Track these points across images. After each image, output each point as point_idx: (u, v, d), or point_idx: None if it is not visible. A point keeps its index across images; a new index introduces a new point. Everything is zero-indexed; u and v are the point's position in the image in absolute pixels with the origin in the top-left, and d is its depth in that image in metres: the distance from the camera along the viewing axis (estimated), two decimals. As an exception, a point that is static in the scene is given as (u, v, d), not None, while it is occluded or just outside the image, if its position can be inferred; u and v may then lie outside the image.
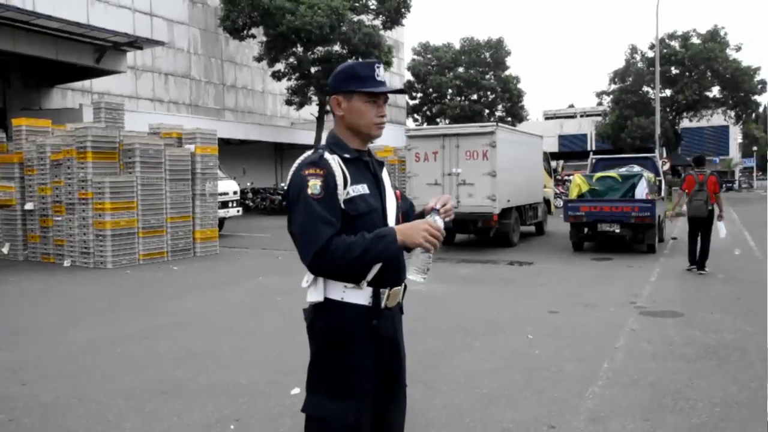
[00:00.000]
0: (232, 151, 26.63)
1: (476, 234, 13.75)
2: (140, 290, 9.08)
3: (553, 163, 26.61)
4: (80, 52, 19.44)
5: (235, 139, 27.45)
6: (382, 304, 2.16)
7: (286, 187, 2.17)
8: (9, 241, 12.68)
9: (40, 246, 12.30)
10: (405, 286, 2.28)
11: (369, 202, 2.15)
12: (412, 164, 13.12)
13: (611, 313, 7.08)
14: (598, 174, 12.60)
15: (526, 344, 5.80)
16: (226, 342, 5.99)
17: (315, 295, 2.14)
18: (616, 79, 38.65)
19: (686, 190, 9.77)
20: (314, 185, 2.05)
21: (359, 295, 2.12)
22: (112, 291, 9.07)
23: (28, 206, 12.42)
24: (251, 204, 26.91)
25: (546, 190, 16.72)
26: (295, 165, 2.17)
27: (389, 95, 2.24)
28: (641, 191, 11.78)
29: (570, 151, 50.08)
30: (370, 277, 2.12)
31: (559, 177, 25.08)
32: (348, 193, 2.10)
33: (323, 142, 2.29)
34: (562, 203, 22.49)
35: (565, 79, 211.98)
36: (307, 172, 2.09)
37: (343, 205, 2.07)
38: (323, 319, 2.15)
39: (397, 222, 2.25)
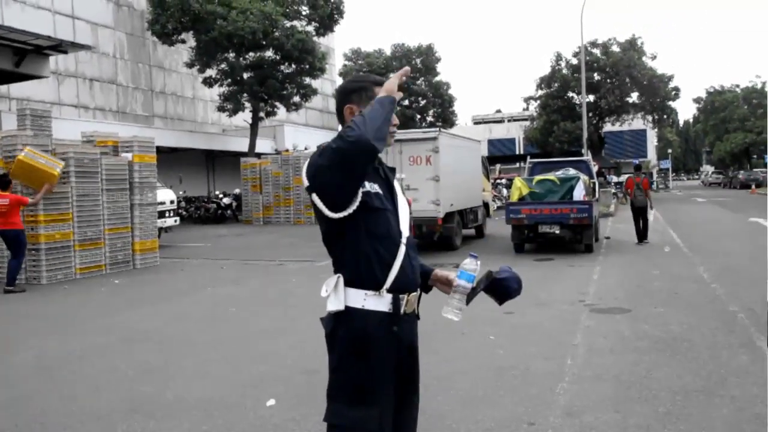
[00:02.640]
0: (163, 159, 25.66)
1: (420, 238, 13.85)
2: (83, 305, 8.69)
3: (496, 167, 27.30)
4: (-3, 56, 18.41)
5: (165, 146, 26.65)
6: (401, 310, 2.18)
7: (306, 182, 2.13)
8: (-72, 258, 11.84)
9: (-36, 262, 11.55)
10: (420, 293, 2.31)
11: (383, 201, 2.18)
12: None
13: (564, 311, 7.33)
14: (538, 177, 13.01)
15: (490, 345, 5.93)
16: (187, 355, 5.82)
17: (335, 304, 2.14)
18: (543, 85, 39.97)
19: (628, 189, 14.30)
20: None
21: (380, 302, 2.15)
22: (52, 307, 8.64)
23: (-50, 220, 11.63)
24: (185, 213, 26.21)
25: (485, 193, 17.10)
26: (308, 161, 2.13)
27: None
28: (579, 193, 12.25)
29: (500, 155, 51.39)
30: (388, 283, 2.15)
31: (492, 181, 25.67)
32: (365, 186, 2.12)
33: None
34: (497, 206, 23.18)
35: (491, 85, 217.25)
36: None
37: (361, 197, 2.08)
38: (345, 326, 2.15)
39: (410, 230, 2.30)
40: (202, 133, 30.55)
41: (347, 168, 2.00)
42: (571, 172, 13.60)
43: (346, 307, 2.13)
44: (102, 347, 6.22)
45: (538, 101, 40.90)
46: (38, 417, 4.30)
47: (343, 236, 2.14)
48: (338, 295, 2.14)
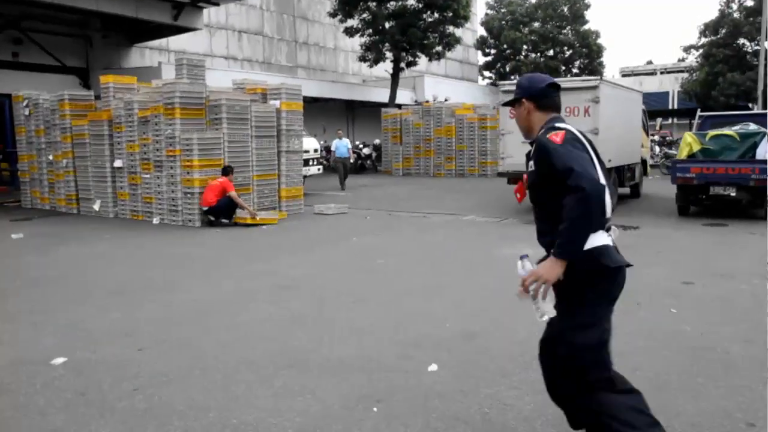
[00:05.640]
0: (306, 109, 26.23)
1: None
2: (233, 249, 8.86)
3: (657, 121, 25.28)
4: (158, 10, 19.40)
5: (308, 96, 27.06)
6: None
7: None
8: (100, 198, 12.79)
9: (130, 203, 12.32)
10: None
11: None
12: (505, 121, 12.31)
13: (755, 285, 6.32)
14: (713, 132, 11.49)
15: (672, 319, 5.18)
16: (338, 308, 5.61)
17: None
18: (707, 32, 35.95)
19: None
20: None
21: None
22: (205, 250, 8.89)
23: (117, 163, 12.43)
24: (324, 162, 26.66)
25: (643, 149, 15.62)
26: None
27: None
28: (763, 151, 10.68)
29: (650, 110, 47.50)
30: None
31: (652, 136, 23.68)
32: None
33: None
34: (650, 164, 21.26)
35: (641, 34, 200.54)
36: None
37: None
38: None
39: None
40: (343, 83, 30.71)
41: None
42: (752, 127, 11.90)
43: None
44: (253, 293, 6.20)
45: (701, 50, 36.89)
46: (197, 363, 4.24)
47: None
48: None
